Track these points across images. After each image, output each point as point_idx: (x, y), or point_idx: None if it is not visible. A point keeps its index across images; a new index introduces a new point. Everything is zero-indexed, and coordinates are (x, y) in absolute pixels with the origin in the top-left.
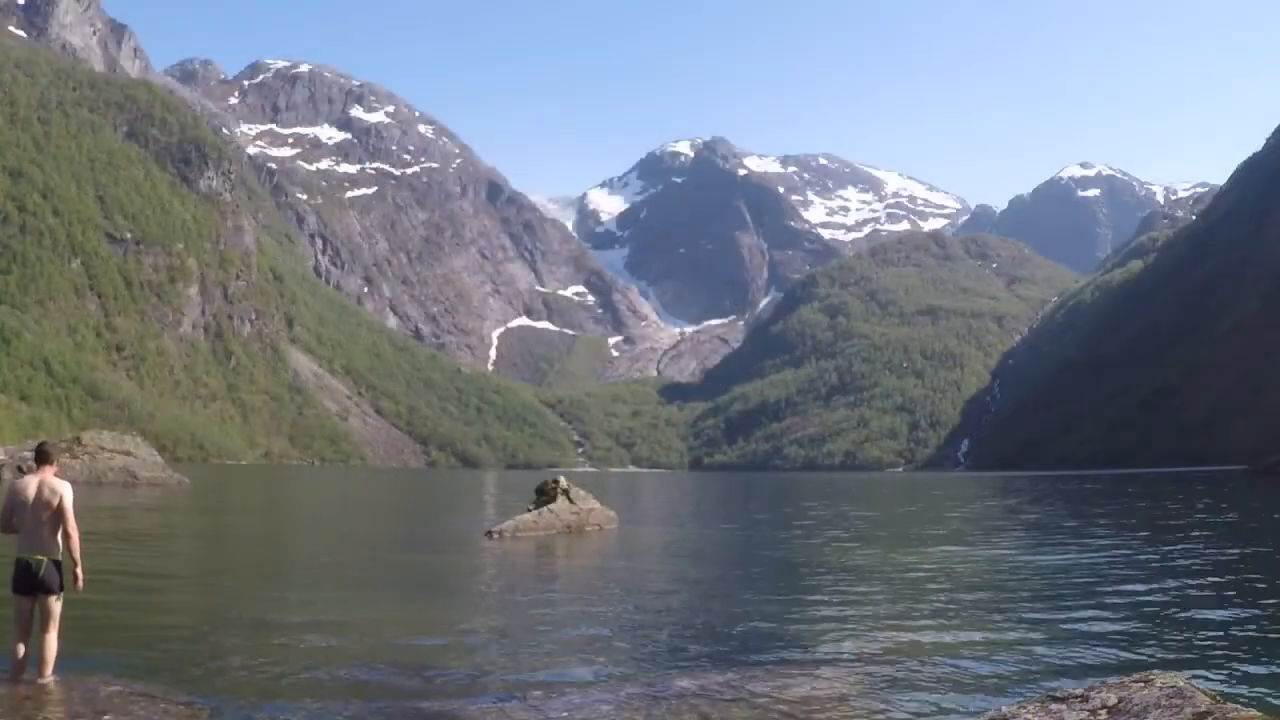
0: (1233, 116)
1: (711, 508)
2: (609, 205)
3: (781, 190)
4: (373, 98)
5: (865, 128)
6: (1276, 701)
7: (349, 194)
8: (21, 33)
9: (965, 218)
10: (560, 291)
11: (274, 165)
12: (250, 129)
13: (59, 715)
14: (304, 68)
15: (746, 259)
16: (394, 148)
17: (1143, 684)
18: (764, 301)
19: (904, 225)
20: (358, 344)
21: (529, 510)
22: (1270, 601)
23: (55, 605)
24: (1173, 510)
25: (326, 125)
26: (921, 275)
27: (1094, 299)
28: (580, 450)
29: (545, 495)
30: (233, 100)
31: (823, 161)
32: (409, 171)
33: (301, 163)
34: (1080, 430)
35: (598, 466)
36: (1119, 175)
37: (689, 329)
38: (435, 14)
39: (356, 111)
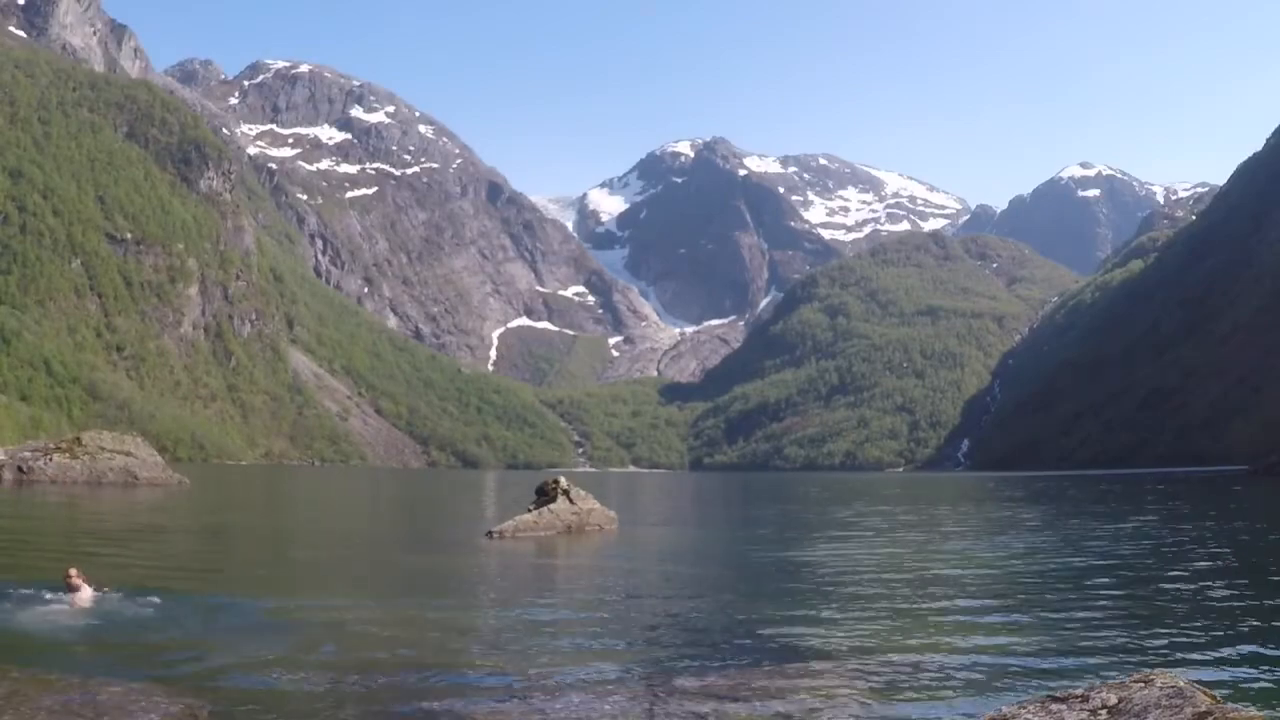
0: (1233, 116)
1: (711, 508)
2: (609, 205)
3: (781, 190)
4: (373, 98)
5: (865, 128)
6: (1277, 702)
7: (349, 194)
8: (21, 33)
9: (965, 218)
10: (560, 291)
11: (274, 165)
12: (250, 129)
13: (59, 715)
14: (304, 68)
15: (746, 259)
16: (394, 148)
17: (1143, 684)
18: (764, 302)
19: (904, 225)
20: (358, 344)
21: (529, 510)
22: (1271, 602)
23: None
24: (1173, 510)
25: (326, 125)
26: (921, 275)
27: (1094, 299)
28: (580, 450)
29: (545, 495)
30: (233, 100)
31: (823, 161)
32: (409, 172)
33: (301, 163)
34: (1080, 430)
35: (598, 467)
36: (1119, 175)
37: (689, 329)
38: (435, 14)
39: (356, 111)
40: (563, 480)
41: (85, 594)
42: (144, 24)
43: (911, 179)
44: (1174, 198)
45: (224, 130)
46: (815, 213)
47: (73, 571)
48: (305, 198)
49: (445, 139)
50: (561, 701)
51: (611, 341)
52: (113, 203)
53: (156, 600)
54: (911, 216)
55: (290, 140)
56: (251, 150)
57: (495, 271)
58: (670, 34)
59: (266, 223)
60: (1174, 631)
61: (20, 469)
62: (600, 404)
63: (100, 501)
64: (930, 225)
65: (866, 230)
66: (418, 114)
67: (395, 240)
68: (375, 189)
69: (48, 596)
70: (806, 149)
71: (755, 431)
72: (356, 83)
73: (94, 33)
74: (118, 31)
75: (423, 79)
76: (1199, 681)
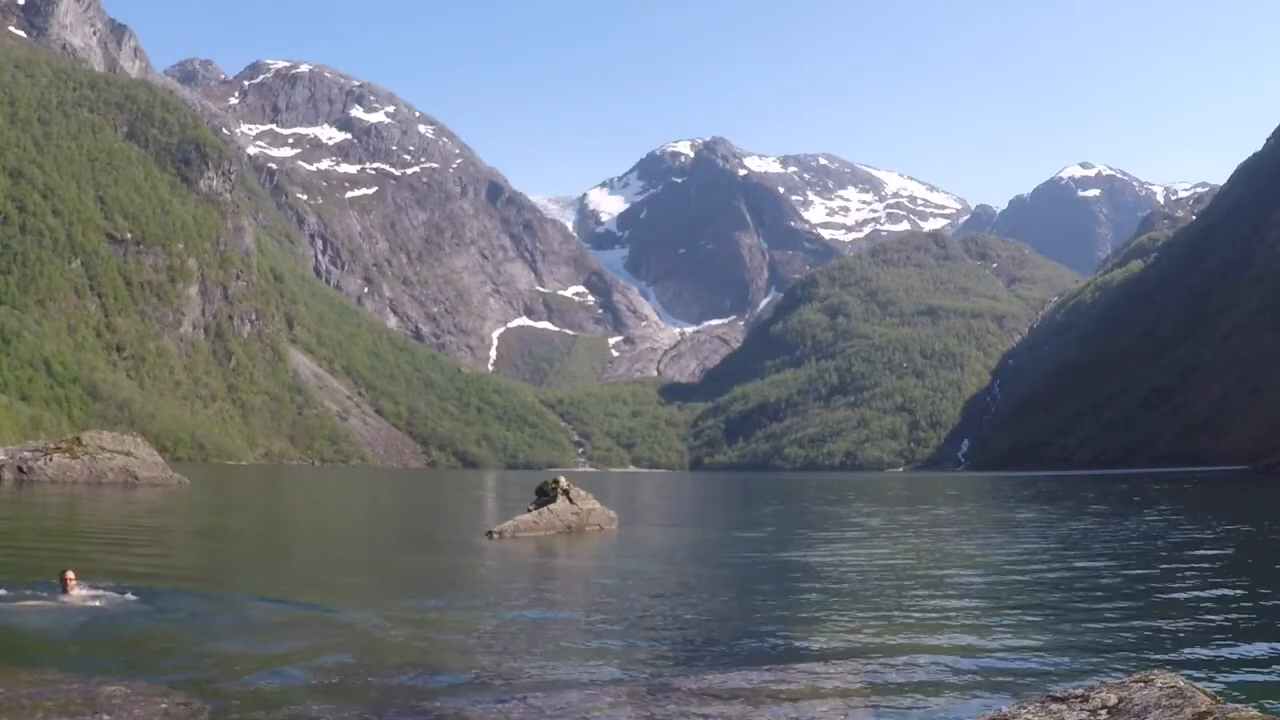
0: (1233, 116)
1: (711, 508)
2: (609, 205)
3: (781, 190)
4: (373, 98)
5: (865, 128)
6: (1276, 702)
7: (349, 194)
8: (21, 33)
9: (965, 218)
10: (560, 291)
11: (274, 165)
12: (250, 129)
13: (59, 715)
14: (304, 68)
15: (746, 259)
16: (394, 148)
17: (1143, 684)
18: (764, 302)
19: (904, 225)
20: (358, 344)
21: (529, 510)
22: (1271, 603)
23: None
24: (1173, 511)
25: (326, 125)
26: (921, 275)
27: (1094, 299)
28: (580, 450)
29: (545, 495)
30: (233, 100)
31: (823, 161)
32: (409, 171)
33: (301, 163)
34: (1080, 430)
35: (598, 466)
36: (1119, 175)
37: (689, 329)
38: (435, 14)
39: (356, 111)
40: (563, 480)
41: (82, 594)
42: (144, 24)
43: (911, 179)
44: (1174, 198)
45: (224, 130)
46: (815, 213)
47: (69, 574)
48: (305, 198)
49: (445, 139)
50: (561, 701)
51: (611, 341)
52: (113, 203)
53: (156, 600)
54: (911, 216)
55: (290, 140)
56: (251, 150)
57: (495, 271)
58: (670, 34)
59: (266, 223)
60: (1174, 631)
61: (20, 469)
62: (600, 404)
63: (100, 501)
64: (930, 225)
65: (866, 230)
66: (418, 114)
67: (395, 240)
68: (375, 189)
69: (47, 597)
70: (806, 149)
71: (755, 431)
72: (356, 83)
73: (94, 33)
74: (118, 31)
75: (423, 79)
76: (1199, 682)
